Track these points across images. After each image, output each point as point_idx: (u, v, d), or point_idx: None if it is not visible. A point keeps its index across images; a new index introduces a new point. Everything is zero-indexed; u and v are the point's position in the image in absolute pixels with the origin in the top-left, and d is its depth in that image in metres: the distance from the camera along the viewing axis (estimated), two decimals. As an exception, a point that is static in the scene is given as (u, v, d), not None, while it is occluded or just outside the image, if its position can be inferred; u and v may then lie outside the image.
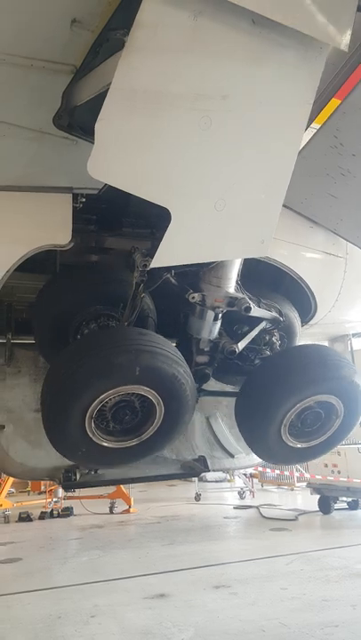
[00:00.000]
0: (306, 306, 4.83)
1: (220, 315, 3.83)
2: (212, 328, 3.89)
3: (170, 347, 3.45)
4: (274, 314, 4.08)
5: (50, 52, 2.67)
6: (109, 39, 2.61)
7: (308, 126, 3.80)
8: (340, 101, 3.58)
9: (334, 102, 3.61)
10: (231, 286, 3.72)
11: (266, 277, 4.62)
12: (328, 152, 3.79)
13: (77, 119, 3.11)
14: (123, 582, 7.51)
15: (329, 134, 3.67)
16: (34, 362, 4.72)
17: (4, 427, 4.39)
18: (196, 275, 3.67)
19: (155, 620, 5.85)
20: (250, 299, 3.81)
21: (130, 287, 3.61)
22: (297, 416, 3.83)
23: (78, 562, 8.94)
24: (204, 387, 4.31)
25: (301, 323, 4.98)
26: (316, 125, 3.76)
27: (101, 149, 2.52)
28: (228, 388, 4.74)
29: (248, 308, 3.75)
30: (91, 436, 3.33)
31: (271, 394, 3.82)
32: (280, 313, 4.15)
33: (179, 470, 4.68)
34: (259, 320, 4.03)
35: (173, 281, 3.61)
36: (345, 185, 4.10)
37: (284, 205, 4.35)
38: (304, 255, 4.62)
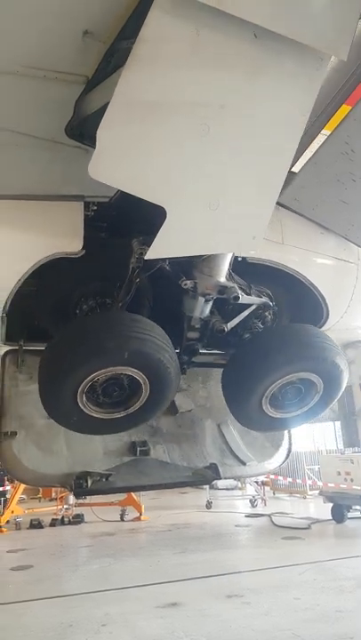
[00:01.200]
0: (318, 312, 4.81)
1: (210, 300, 4.05)
2: (203, 309, 4.14)
3: (158, 333, 3.70)
4: (264, 299, 4.29)
5: (62, 63, 2.71)
6: (120, 49, 2.65)
7: (317, 133, 3.81)
8: (350, 108, 3.58)
9: (345, 109, 3.61)
10: (222, 276, 3.92)
11: (279, 282, 4.62)
12: (339, 158, 3.79)
13: (89, 128, 3.14)
14: (134, 591, 7.48)
15: (340, 141, 3.67)
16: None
17: (15, 433, 4.41)
18: (190, 263, 3.85)
19: (167, 630, 5.80)
20: (240, 287, 4.02)
21: (127, 270, 3.83)
22: (279, 389, 4.10)
23: (89, 569, 8.92)
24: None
25: (313, 329, 4.96)
26: (326, 132, 3.76)
27: (101, 154, 2.67)
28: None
29: (236, 297, 3.96)
30: (82, 407, 3.68)
31: (257, 368, 4.05)
32: (271, 298, 4.39)
33: (190, 478, 4.68)
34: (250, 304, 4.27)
35: (168, 268, 3.83)
36: (356, 191, 4.09)
37: (295, 212, 4.40)
38: (315, 261, 4.60)
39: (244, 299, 4.04)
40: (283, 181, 3.16)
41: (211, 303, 4.10)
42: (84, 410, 3.71)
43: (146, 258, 3.38)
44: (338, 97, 3.53)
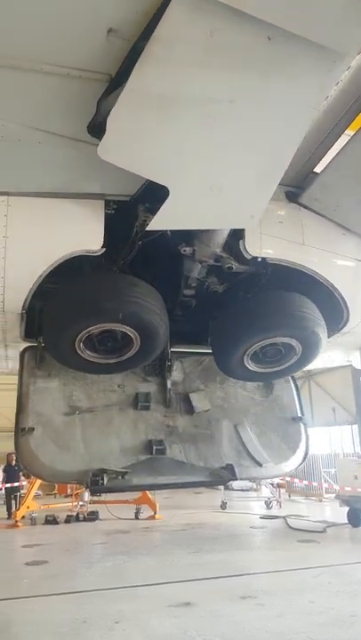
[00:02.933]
0: (338, 314, 4.76)
1: (206, 265, 4.44)
2: (200, 271, 4.49)
3: (151, 297, 4.11)
4: (254, 269, 4.49)
5: (86, 61, 2.72)
6: (144, 48, 2.65)
7: (340, 134, 3.77)
8: (375, 107, 3.52)
9: (369, 108, 3.55)
10: (220, 246, 4.23)
11: (299, 284, 4.58)
12: (362, 158, 3.74)
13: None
14: (147, 589, 7.48)
15: (364, 141, 3.62)
16: (64, 366, 4.78)
17: (33, 429, 4.45)
18: (190, 232, 4.13)
19: (179, 629, 5.80)
20: (233, 258, 4.33)
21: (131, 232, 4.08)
22: (260, 349, 4.52)
23: (103, 566, 8.95)
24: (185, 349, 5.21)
25: (334, 331, 4.92)
26: (350, 132, 3.71)
27: (110, 138, 2.92)
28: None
29: (230, 267, 4.33)
30: (79, 353, 4.19)
31: (243, 329, 4.44)
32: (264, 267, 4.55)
33: (206, 478, 4.68)
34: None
35: (169, 234, 4.09)
36: (379, 192, 4.04)
37: (316, 212, 4.35)
38: (336, 263, 4.56)
39: (238, 268, 4.36)
40: (284, 168, 3.36)
41: (206, 267, 4.46)
42: (82, 355, 4.21)
43: (147, 229, 3.68)
44: (362, 96, 3.48)
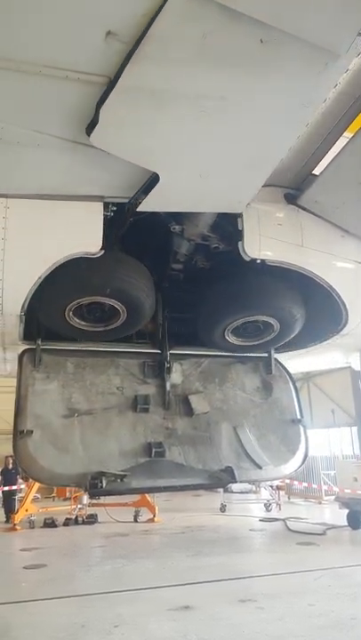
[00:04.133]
0: (337, 315, 4.75)
1: (193, 243, 4.72)
2: (187, 248, 4.79)
3: (138, 274, 4.41)
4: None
5: (85, 63, 2.72)
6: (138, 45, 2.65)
7: (338, 136, 3.77)
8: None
9: (368, 110, 3.56)
10: (207, 227, 4.51)
11: (298, 286, 4.58)
12: (361, 161, 3.74)
13: (110, 129, 3.16)
14: (146, 592, 7.45)
15: (362, 143, 3.62)
16: (62, 368, 4.77)
17: (32, 432, 4.43)
18: (180, 212, 4.33)
19: (179, 633, 5.77)
20: (220, 239, 4.64)
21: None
22: (241, 324, 4.88)
23: (102, 570, 8.91)
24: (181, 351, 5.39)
25: (333, 333, 4.92)
26: (348, 134, 3.72)
27: (102, 128, 3.02)
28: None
29: (217, 247, 4.67)
30: (69, 320, 4.53)
31: (227, 306, 4.77)
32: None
33: (206, 480, 4.66)
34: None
35: (161, 213, 4.27)
36: (378, 193, 4.04)
37: (315, 214, 4.36)
38: (335, 264, 4.56)
39: (223, 248, 4.65)
40: (275, 160, 3.50)
41: (193, 246, 4.77)
42: (71, 322, 4.55)
43: (138, 210, 3.86)
44: (360, 99, 3.49)
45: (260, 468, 4.85)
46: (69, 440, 4.54)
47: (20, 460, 4.50)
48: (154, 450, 4.65)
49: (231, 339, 5.05)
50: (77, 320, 4.56)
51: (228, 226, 4.38)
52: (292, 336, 5.09)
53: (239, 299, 4.67)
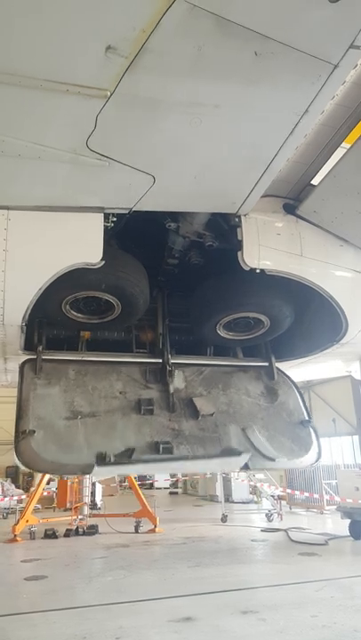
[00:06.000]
0: (337, 324, 4.76)
1: (188, 240, 4.87)
2: (182, 244, 4.93)
3: (133, 270, 4.57)
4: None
5: (85, 77, 2.76)
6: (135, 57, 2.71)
7: (336, 146, 3.81)
8: (371, 120, 3.57)
9: (365, 121, 3.60)
10: (202, 225, 4.64)
11: (298, 295, 4.59)
12: (359, 171, 3.78)
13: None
14: (148, 604, 7.39)
15: (360, 153, 3.66)
16: (64, 374, 4.78)
17: (34, 432, 4.42)
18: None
19: (180, 645, 5.72)
20: (214, 237, 4.74)
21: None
22: (233, 319, 5.08)
23: (103, 581, 8.84)
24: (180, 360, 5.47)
25: (332, 342, 4.93)
26: (346, 145, 3.75)
27: (100, 132, 3.10)
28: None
29: (211, 245, 4.77)
30: (65, 313, 4.74)
31: (220, 302, 4.95)
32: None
33: (220, 453, 4.72)
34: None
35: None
36: (376, 203, 4.07)
37: (314, 224, 4.39)
38: (334, 274, 4.58)
39: (218, 245, 4.73)
40: (267, 164, 3.55)
41: (188, 242, 4.91)
42: (67, 314, 4.77)
43: (134, 209, 3.92)
44: (358, 110, 3.53)
45: (273, 460, 4.84)
46: (73, 439, 4.53)
47: (22, 457, 4.43)
48: (162, 447, 4.61)
49: (222, 333, 5.24)
50: (74, 312, 4.77)
51: (222, 224, 4.52)
52: (281, 331, 5.30)
53: (230, 296, 4.85)
